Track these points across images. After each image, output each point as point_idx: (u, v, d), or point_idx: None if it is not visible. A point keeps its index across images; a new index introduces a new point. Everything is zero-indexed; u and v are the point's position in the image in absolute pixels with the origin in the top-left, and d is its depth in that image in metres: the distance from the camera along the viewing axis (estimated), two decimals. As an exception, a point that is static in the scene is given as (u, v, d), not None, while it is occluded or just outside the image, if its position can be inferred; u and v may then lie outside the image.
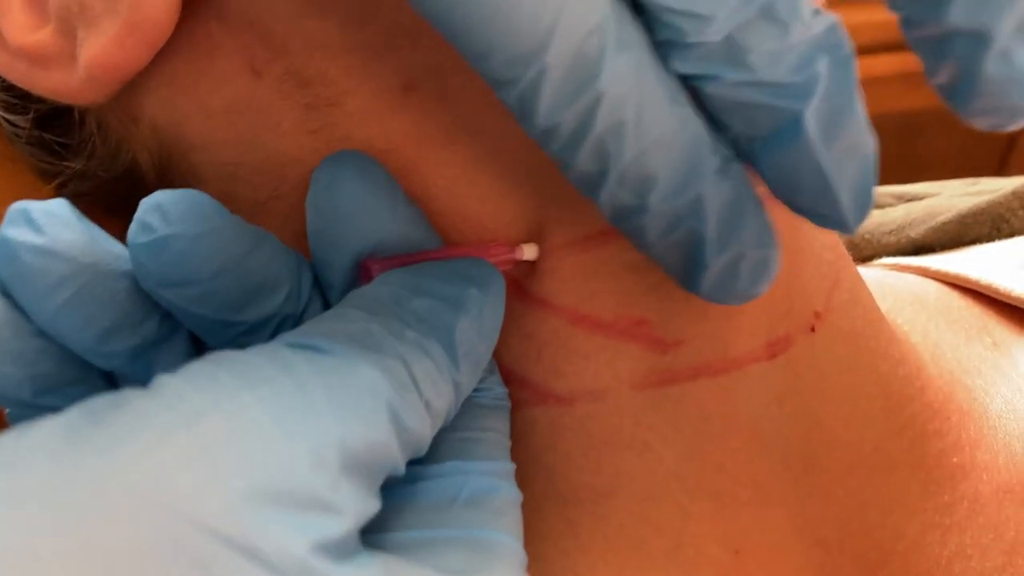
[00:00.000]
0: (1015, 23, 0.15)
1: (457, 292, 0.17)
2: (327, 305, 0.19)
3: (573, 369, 0.20)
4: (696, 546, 0.21)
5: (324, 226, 0.18)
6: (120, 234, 0.26)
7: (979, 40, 0.15)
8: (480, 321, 0.17)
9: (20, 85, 0.20)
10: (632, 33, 0.15)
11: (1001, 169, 1.15)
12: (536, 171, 0.19)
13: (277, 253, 0.17)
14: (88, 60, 0.18)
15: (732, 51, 0.15)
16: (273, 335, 0.18)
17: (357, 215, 0.18)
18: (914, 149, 1.13)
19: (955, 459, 0.23)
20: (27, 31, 0.19)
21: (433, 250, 0.19)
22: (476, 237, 0.20)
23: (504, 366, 0.20)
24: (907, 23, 0.16)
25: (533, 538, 0.21)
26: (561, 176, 0.17)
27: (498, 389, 0.19)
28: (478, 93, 0.18)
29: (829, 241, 0.23)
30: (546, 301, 0.20)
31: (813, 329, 0.21)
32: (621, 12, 0.15)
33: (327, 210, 0.18)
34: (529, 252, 0.19)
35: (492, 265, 0.18)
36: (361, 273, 0.18)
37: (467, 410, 0.17)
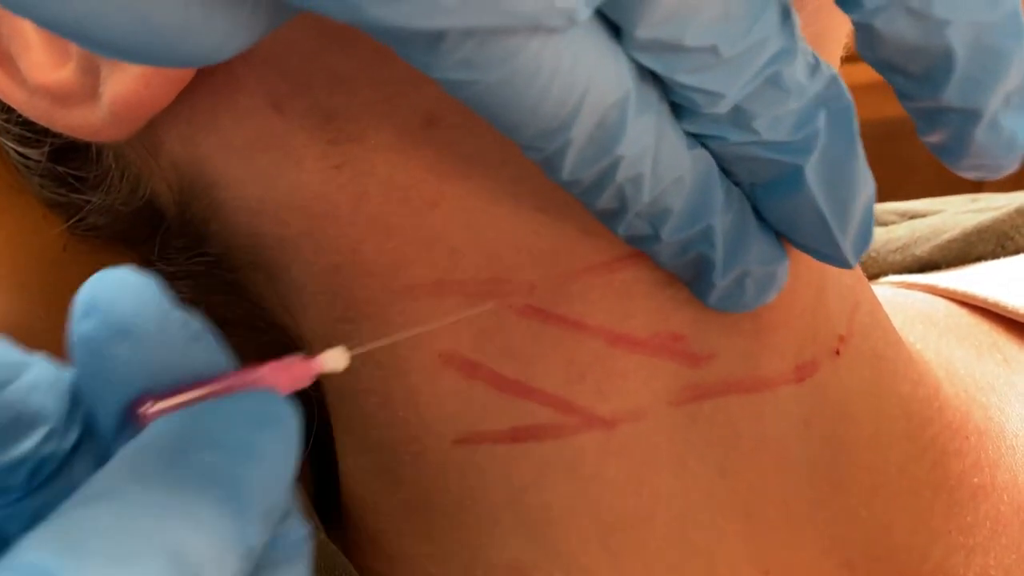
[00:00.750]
0: (1002, 96, 0.17)
1: (247, 437, 0.15)
2: (99, 447, 0.16)
3: (615, 389, 0.21)
4: (729, 566, 0.21)
5: (87, 359, 0.15)
6: (137, 263, 0.26)
7: (971, 116, 0.17)
8: (275, 467, 0.15)
9: (39, 122, 0.20)
10: (650, 94, 0.16)
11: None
12: (558, 197, 0.19)
13: (41, 385, 0.15)
14: (112, 98, 0.18)
15: (739, 117, 0.16)
16: (32, 474, 0.15)
17: (124, 344, 0.15)
18: (894, 155, 1.15)
19: (976, 479, 0.23)
20: (48, 69, 0.19)
21: (217, 377, 0.16)
22: (494, 271, 0.20)
23: (548, 392, 0.21)
24: (902, 95, 0.17)
25: (577, 573, 0.21)
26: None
27: (295, 533, 0.16)
28: None
29: None
30: (581, 323, 0.20)
31: (838, 352, 0.22)
32: (641, 77, 0.16)
33: (88, 340, 0.15)
34: (333, 361, 0.17)
35: (282, 399, 0.16)
36: (134, 414, 0.16)
37: (259, 572, 0.15)
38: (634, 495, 0.21)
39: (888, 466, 0.22)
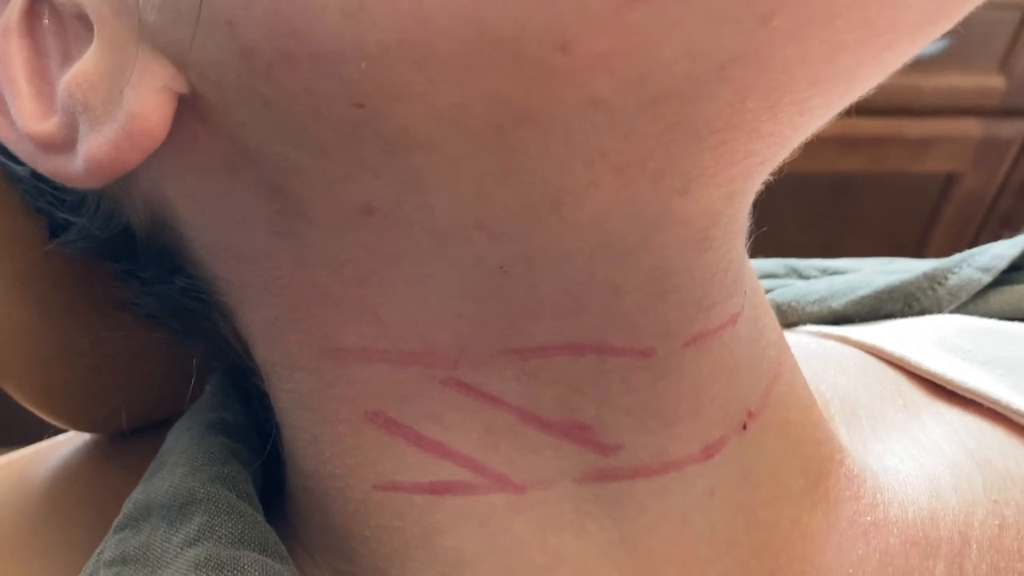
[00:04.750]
0: None
1: None
2: None
3: (526, 462, 0.22)
4: None
5: None
6: (110, 278, 0.27)
7: None
8: None
9: (25, 162, 0.21)
10: None
11: (926, 233, 1.21)
12: (480, 287, 0.20)
13: None
14: (86, 155, 0.19)
15: None
16: None
17: None
18: (845, 208, 1.19)
19: (868, 518, 0.25)
20: (35, 119, 0.20)
21: None
22: (418, 345, 0.21)
23: (465, 455, 0.22)
24: None
25: None
26: (502, 294, 0.20)
27: None
28: (429, 223, 0.19)
29: (774, 337, 0.25)
30: (499, 399, 0.22)
31: (745, 427, 0.23)
32: None
33: None
34: None
35: None
36: None
37: None
38: (538, 550, 0.22)
39: (782, 520, 0.24)
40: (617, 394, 0.22)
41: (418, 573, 0.23)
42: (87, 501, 0.32)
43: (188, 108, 0.19)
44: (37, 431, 0.36)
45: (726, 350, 0.23)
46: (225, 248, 0.22)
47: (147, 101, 0.18)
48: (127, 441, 0.34)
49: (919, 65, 1.05)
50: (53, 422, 0.32)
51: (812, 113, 0.18)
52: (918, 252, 1.22)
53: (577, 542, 0.22)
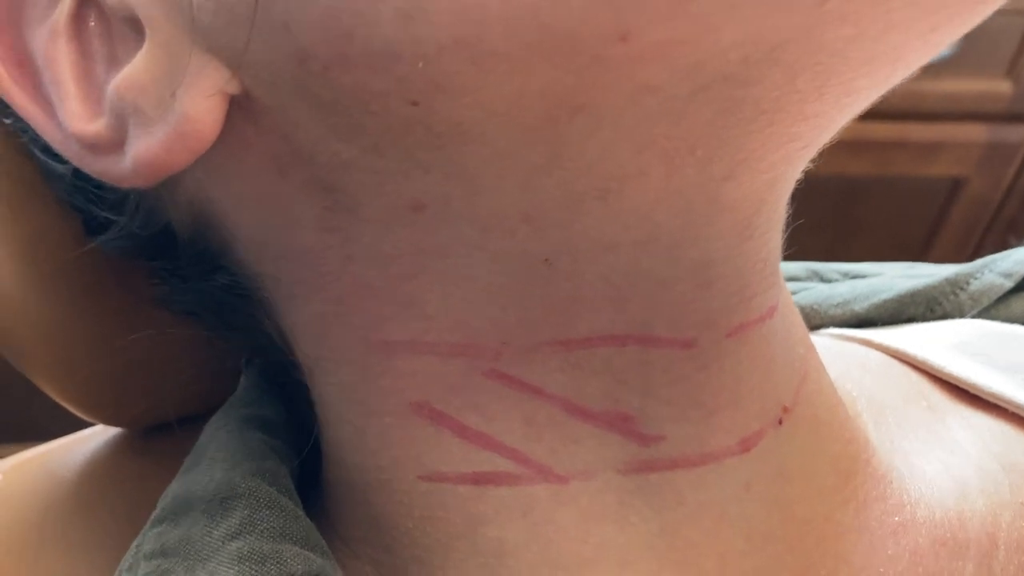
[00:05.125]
0: None
1: None
2: None
3: (568, 452, 0.22)
4: None
5: None
6: (145, 278, 0.27)
7: None
8: None
9: (70, 161, 0.21)
10: None
11: (931, 237, 1.22)
12: (525, 280, 0.21)
13: None
14: (135, 156, 0.20)
15: None
16: None
17: None
18: (852, 211, 1.19)
19: (896, 518, 0.25)
20: (83, 120, 0.20)
21: None
22: (463, 337, 0.21)
23: (508, 446, 0.22)
24: None
25: None
26: (546, 286, 0.20)
27: None
28: (475, 217, 0.19)
29: (801, 336, 0.25)
30: (541, 390, 0.22)
31: (781, 422, 0.24)
32: None
33: None
34: None
35: None
36: None
37: None
38: (581, 541, 0.23)
39: (816, 516, 0.24)
40: (660, 384, 0.22)
41: (460, 563, 0.23)
42: (114, 496, 0.32)
43: (239, 109, 0.19)
44: (63, 425, 0.37)
45: (764, 343, 0.23)
46: (272, 246, 0.22)
47: (200, 103, 0.19)
48: (155, 436, 0.34)
49: (926, 70, 1.05)
50: (84, 417, 0.33)
51: (858, 94, 0.19)
52: (923, 256, 1.22)
53: (620, 533, 0.23)
